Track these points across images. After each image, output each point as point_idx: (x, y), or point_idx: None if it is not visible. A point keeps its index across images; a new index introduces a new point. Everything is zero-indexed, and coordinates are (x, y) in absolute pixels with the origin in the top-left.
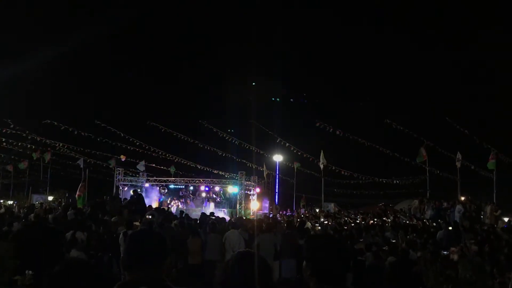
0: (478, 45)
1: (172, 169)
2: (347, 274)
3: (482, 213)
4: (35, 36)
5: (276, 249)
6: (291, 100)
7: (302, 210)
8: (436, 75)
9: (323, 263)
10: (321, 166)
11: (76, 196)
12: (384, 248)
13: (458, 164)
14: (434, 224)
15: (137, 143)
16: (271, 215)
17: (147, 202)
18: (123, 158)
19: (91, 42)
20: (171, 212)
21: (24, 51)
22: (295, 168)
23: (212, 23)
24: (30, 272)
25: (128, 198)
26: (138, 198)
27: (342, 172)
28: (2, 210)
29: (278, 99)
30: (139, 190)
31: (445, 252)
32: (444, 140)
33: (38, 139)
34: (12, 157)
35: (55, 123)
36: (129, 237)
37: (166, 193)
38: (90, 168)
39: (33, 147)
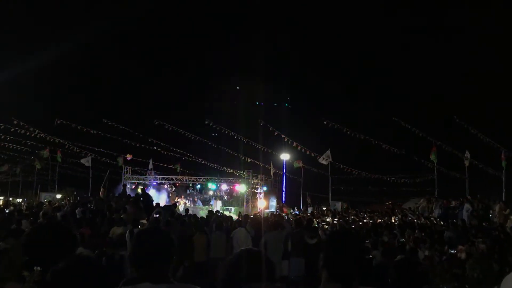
0: (487, 44)
1: (177, 168)
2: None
3: (491, 212)
4: (40, 35)
5: (286, 248)
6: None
7: (310, 209)
8: (444, 73)
9: (336, 258)
10: (325, 163)
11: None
12: (392, 246)
13: (466, 163)
14: (442, 223)
15: (145, 142)
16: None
17: (154, 199)
18: (129, 157)
19: (99, 41)
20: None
21: (31, 50)
22: (299, 166)
23: (218, 22)
24: (39, 268)
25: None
26: (143, 196)
27: (350, 171)
28: (11, 208)
29: (285, 99)
30: (145, 188)
31: (453, 251)
32: (452, 138)
33: (48, 137)
34: (21, 156)
35: (64, 121)
36: (136, 235)
37: (173, 191)
38: (98, 166)
39: (42, 145)
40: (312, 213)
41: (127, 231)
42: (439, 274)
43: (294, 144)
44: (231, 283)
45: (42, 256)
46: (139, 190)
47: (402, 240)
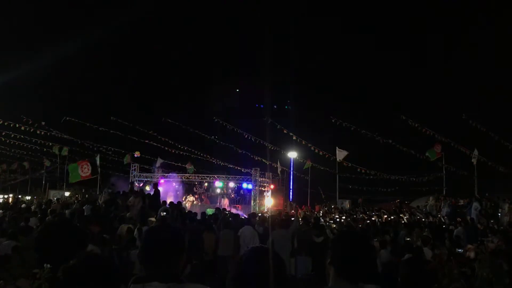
0: (495, 39)
1: (190, 170)
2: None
3: (500, 210)
4: (48, 33)
5: (293, 246)
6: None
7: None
8: (451, 71)
9: (344, 256)
10: (341, 160)
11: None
12: (399, 245)
13: (474, 161)
14: (449, 221)
15: (153, 139)
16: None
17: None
18: (137, 154)
19: (106, 40)
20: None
21: (39, 48)
22: (308, 167)
23: (223, 20)
24: (48, 265)
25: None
26: (155, 192)
27: (358, 169)
28: (24, 205)
29: (293, 97)
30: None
31: (460, 250)
32: (460, 137)
33: (58, 135)
34: (30, 153)
35: (73, 119)
36: (146, 233)
37: (181, 189)
38: (107, 164)
39: (50, 143)
40: (319, 211)
41: (136, 229)
42: (447, 273)
43: (303, 142)
44: (242, 281)
45: (53, 253)
46: (147, 188)
47: (408, 239)
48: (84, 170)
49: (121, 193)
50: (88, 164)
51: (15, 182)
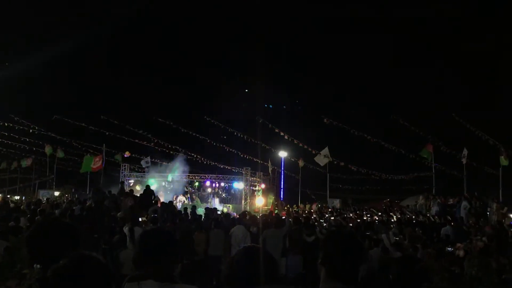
0: (487, 41)
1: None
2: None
3: (489, 209)
4: (42, 32)
5: (284, 245)
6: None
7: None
8: (442, 71)
9: (333, 257)
10: (321, 163)
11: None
12: (390, 244)
13: (463, 161)
14: (439, 220)
15: (143, 138)
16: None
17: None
18: (127, 154)
19: (100, 39)
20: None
21: (32, 48)
22: (300, 166)
23: (218, 22)
24: (38, 266)
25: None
26: (148, 192)
27: (349, 168)
28: (12, 205)
29: (284, 97)
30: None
31: (450, 249)
32: (450, 136)
33: (48, 134)
34: (20, 153)
35: (62, 118)
36: (140, 236)
37: (171, 188)
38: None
39: (39, 142)
40: (316, 210)
41: (127, 229)
42: (438, 272)
43: (295, 141)
44: (234, 280)
45: (45, 253)
46: (137, 187)
47: (400, 236)
48: (96, 163)
49: (111, 193)
50: (101, 157)
51: (9, 189)
